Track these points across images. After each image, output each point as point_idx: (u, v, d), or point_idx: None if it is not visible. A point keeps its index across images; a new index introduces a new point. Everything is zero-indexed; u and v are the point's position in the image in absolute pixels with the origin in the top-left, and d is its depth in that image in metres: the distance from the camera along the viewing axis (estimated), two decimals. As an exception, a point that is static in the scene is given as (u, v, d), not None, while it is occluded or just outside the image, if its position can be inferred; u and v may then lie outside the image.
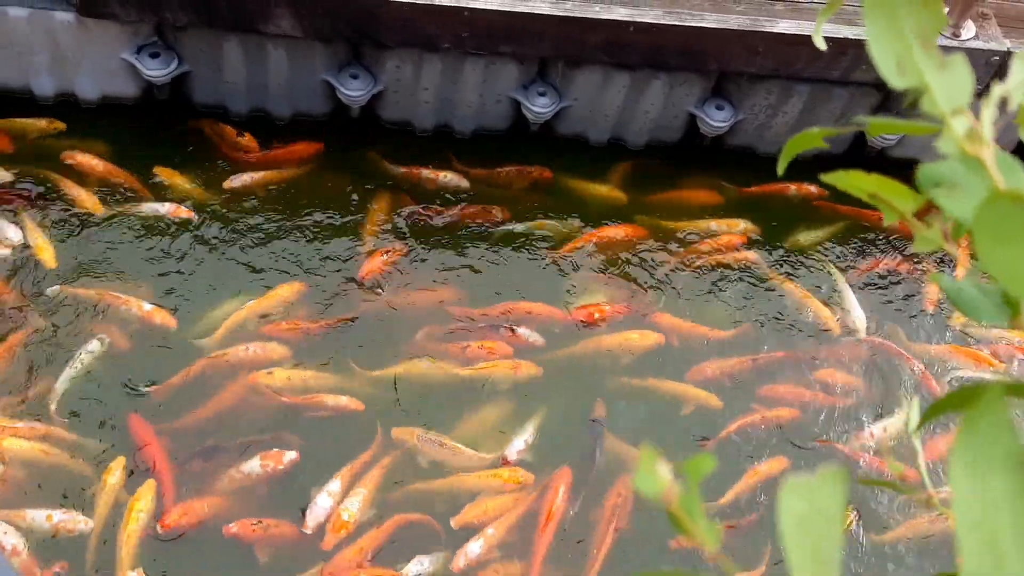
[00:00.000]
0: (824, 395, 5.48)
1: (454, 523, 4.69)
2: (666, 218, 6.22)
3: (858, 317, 5.87)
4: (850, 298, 5.96)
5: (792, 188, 6.51)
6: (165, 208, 5.67)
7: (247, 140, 6.07)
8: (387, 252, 5.63)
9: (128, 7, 5.46)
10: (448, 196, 6.09)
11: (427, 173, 6.10)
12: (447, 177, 6.13)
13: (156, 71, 5.75)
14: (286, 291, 5.42)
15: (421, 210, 5.97)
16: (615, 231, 6.07)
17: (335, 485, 4.71)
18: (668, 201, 6.34)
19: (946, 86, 0.63)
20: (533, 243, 5.97)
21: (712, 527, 0.58)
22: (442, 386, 5.19)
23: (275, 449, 4.79)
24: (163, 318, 5.17)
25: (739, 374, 5.48)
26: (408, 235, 5.86)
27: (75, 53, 5.75)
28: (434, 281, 5.68)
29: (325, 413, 4.98)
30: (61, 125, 5.97)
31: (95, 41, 5.70)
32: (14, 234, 5.40)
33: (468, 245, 5.89)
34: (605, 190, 6.29)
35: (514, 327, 5.44)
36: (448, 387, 5.19)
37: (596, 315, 5.59)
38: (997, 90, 0.66)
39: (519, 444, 5.03)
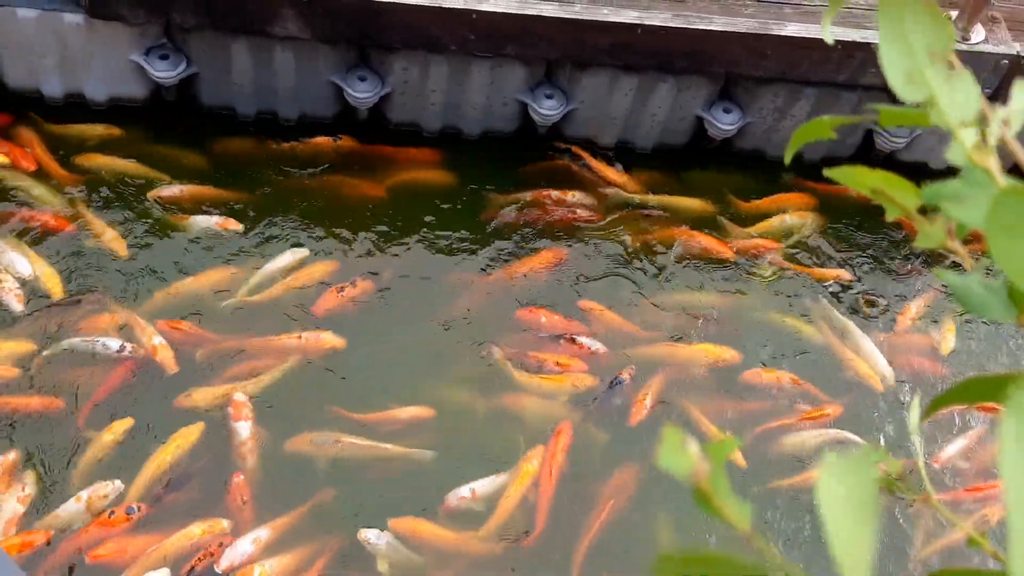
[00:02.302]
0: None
1: (390, 523, 4.61)
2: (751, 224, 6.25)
3: (884, 369, 5.58)
4: (867, 346, 5.67)
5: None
6: (212, 220, 5.66)
7: (344, 140, 6.11)
8: (343, 288, 5.44)
9: (137, 9, 5.48)
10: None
11: (556, 194, 6.13)
12: (575, 196, 6.14)
13: (164, 72, 5.77)
14: (320, 269, 5.53)
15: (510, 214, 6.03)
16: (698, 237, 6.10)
17: (264, 533, 4.51)
18: (760, 209, 6.37)
19: (954, 99, 0.64)
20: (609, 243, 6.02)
21: (742, 505, 0.58)
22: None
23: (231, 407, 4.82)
24: (164, 358, 4.99)
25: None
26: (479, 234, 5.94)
27: (84, 54, 5.77)
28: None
29: (400, 426, 4.95)
30: (117, 131, 5.95)
31: (104, 42, 5.72)
32: (23, 267, 5.23)
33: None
34: (699, 204, 6.28)
35: (575, 337, 5.42)
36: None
37: (543, 319, 5.50)
38: (1000, 112, 0.67)
39: (464, 491, 4.76)
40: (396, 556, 4.56)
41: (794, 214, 6.30)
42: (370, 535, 4.54)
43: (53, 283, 5.21)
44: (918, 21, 0.64)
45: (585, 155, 6.29)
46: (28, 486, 4.51)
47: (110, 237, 5.47)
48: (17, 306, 5.07)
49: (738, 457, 5.05)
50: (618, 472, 5.00)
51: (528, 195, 6.13)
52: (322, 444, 4.82)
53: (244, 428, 4.79)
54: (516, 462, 4.92)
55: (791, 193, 6.42)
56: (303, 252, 5.59)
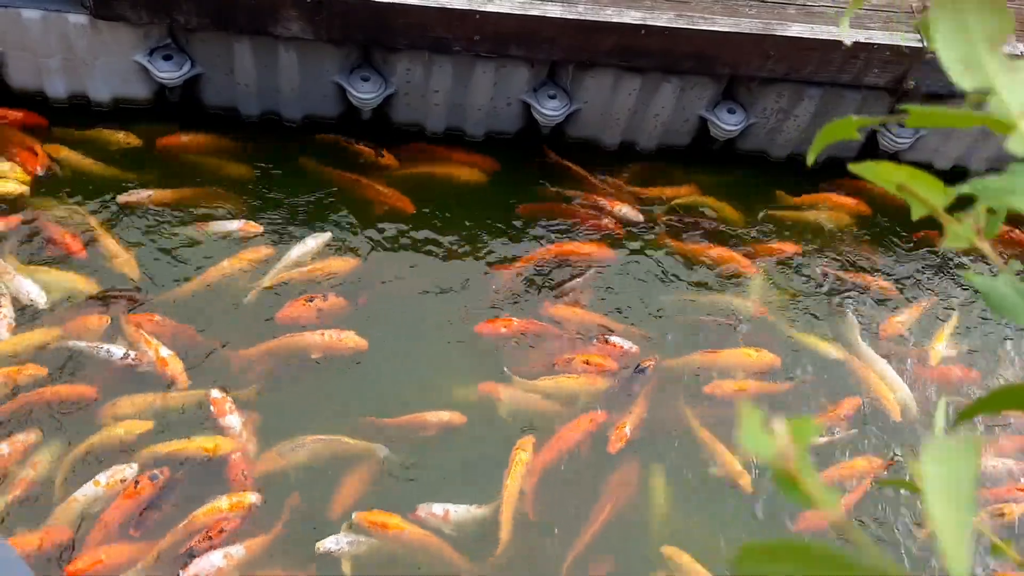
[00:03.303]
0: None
1: (355, 516, 4.54)
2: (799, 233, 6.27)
3: (906, 396, 5.47)
4: (887, 371, 5.55)
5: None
6: (235, 225, 5.62)
7: (387, 159, 6.10)
8: (312, 298, 5.28)
9: (141, 9, 5.47)
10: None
11: (603, 202, 6.16)
12: (622, 209, 6.15)
13: (168, 73, 5.76)
14: (338, 264, 5.53)
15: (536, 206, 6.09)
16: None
17: (238, 550, 4.34)
18: (803, 213, 6.38)
19: (1015, 89, 0.63)
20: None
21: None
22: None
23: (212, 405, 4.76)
24: (174, 371, 4.89)
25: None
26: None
27: (88, 55, 5.76)
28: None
29: (431, 432, 4.89)
30: (137, 140, 5.94)
31: (108, 43, 5.71)
32: (37, 296, 5.13)
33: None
34: (730, 211, 6.30)
35: (607, 336, 5.38)
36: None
37: (502, 328, 5.39)
38: None
39: (437, 508, 4.62)
40: (360, 551, 4.44)
41: (829, 214, 6.32)
42: (328, 544, 4.40)
43: (81, 282, 5.19)
44: (975, 7, 0.63)
45: (614, 182, 6.31)
46: (44, 459, 4.52)
47: (122, 259, 5.37)
48: (4, 334, 4.98)
49: (745, 483, 4.92)
50: (620, 469, 4.99)
51: (577, 194, 6.17)
52: (291, 449, 4.69)
53: (233, 422, 4.72)
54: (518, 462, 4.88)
55: (833, 194, 6.45)
56: (326, 236, 5.60)
